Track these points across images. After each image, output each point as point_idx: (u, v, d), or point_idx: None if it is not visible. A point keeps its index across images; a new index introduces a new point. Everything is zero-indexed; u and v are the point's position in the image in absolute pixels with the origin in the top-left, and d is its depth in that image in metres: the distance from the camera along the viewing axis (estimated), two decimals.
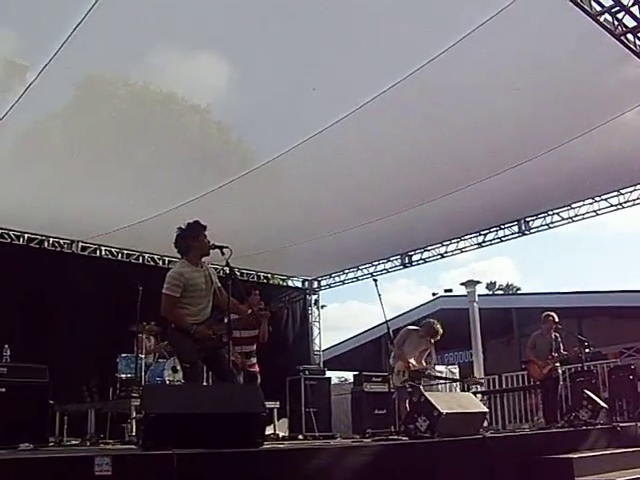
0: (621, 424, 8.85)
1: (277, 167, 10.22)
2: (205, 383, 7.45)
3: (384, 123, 9.31)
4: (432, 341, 10.36)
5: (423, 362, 10.24)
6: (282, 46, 7.68)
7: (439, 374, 10.16)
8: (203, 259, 6.93)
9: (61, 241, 13.44)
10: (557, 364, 10.91)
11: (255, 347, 9.39)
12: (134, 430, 8.82)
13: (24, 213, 11.70)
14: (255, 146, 9.90)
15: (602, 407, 9.16)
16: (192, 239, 6.80)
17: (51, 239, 13.27)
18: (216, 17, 7.18)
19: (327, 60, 8.04)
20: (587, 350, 10.71)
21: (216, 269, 7.19)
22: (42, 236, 13.13)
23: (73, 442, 8.98)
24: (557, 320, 10.96)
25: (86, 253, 13.76)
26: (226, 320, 6.62)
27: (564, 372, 13.11)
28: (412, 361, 10.04)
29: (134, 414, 8.96)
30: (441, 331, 10.39)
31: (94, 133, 9.26)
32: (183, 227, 6.86)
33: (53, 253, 13.25)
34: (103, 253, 14.03)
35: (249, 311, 7.47)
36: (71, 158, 9.69)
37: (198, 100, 8.79)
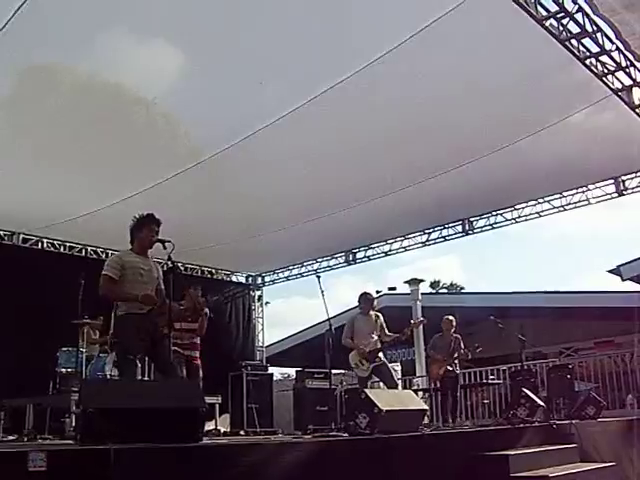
0: (557, 422, 9.01)
1: (223, 161, 10.18)
2: (146, 377, 7.42)
3: (328, 121, 9.35)
4: (375, 310, 10.59)
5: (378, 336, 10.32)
6: (232, 38, 7.65)
7: (391, 336, 10.32)
8: (149, 254, 6.95)
9: (1, 232, 13.21)
10: (456, 363, 11.61)
11: (197, 341, 9.33)
12: (74, 425, 8.71)
13: None
14: (201, 140, 9.82)
15: (539, 405, 9.31)
16: (137, 229, 6.91)
17: None
18: (168, 4, 7.13)
19: (276, 55, 8.03)
20: (477, 350, 11.60)
21: (159, 263, 7.16)
22: None
23: (10, 438, 8.84)
24: (455, 323, 11.84)
25: (27, 245, 13.55)
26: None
27: (504, 371, 13.39)
28: (363, 346, 10.12)
29: (74, 409, 8.84)
30: (373, 295, 10.80)
31: (39, 123, 9.11)
32: (136, 217, 6.92)
33: None
34: (45, 245, 13.83)
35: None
36: (13, 148, 9.51)
37: (145, 92, 8.67)
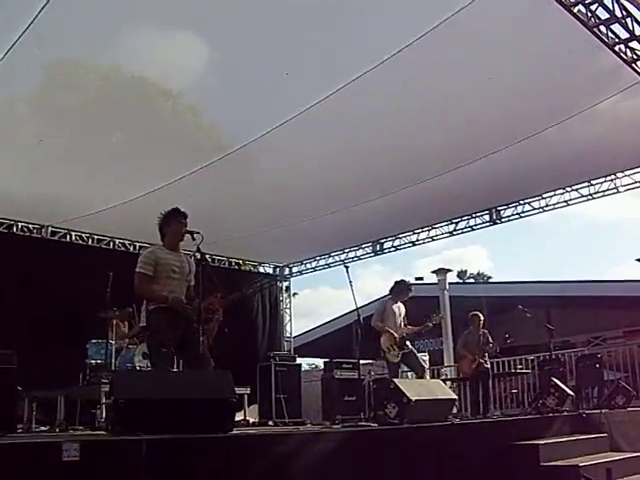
0: (587, 411, 8.97)
1: (249, 153, 10.19)
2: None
3: (356, 110, 9.29)
4: (404, 301, 10.54)
5: (402, 326, 10.34)
6: (257, 29, 7.63)
7: (412, 329, 10.32)
8: (180, 248, 6.96)
9: (30, 226, 13.32)
10: (486, 358, 11.58)
11: None
12: (104, 416, 8.77)
13: None
14: (228, 131, 9.84)
15: (569, 395, 9.28)
16: (165, 225, 6.90)
17: (20, 224, 13.15)
18: None
19: (303, 46, 8.02)
20: (508, 342, 11.67)
21: (187, 254, 7.18)
22: (11, 220, 13.00)
23: (42, 429, 8.93)
24: (482, 319, 11.70)
25: (56, 238, 13.64)
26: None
27: (532, 360, 13.34)
28: (394, 332, 10.14)
29: (104, 400, 8.91)
30: (411, 287, 10.67)
31: (64, 117, 9.16)
32: (162, 213, 6.93)
33: (22, 238, 13.13)
34: (73, 238, 13.91)
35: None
36: (41, 141, 9.58)
37: (171, 84, 8.69)
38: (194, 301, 6.72)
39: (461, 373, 12.29)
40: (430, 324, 10.63)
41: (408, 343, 10.21)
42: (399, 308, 10.40)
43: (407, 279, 10.87)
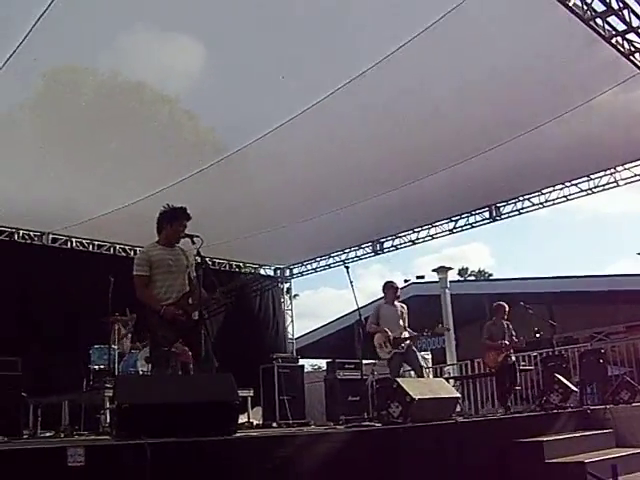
0: (591, 407, 8.95)
1: (248, 155, 10.18)
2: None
3: (353, 110, 9.30)
4: (399, 301, 10.50)
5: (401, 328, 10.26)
6: (253, 33, 7.63)
7: (411, 333, 10.23)
8: (181, 244, 6.92)
9: (31, 233, 13.31)
10: (511, 351, 11.15)
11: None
12: (108, 421, 8.78)
13: None
14: (227, 134, 9.83)
15: (572, 391, 9.26)
16: (167, 221, 6.83)
17: (21, 231, 13.15)
18: (189, 1, 7.13)
19: (298, 50, 8.02)
20: (537, 335, 11.07)
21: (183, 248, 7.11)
22: (12, 229, 13.00)
23: (47, 434, 8.94)
24: (507, 309, 11.37)
25: (57, 245, 13.65)
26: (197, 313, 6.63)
27: (535, 357, 13.30)
28: (387, 331, 10.09)
29: (107, 405, 8.92)
30: (396, 284, 10.68)
31: (63, 124, 9.15)
32: (168, 207, 6.88)
33: (23, 245, 13.13)
34: (74, 244, 13.91)
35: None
36: (40, 149, 9.58)
37: (168, 89, 8.67)
38: (194, 293, 6.70)
39: (487, 367, 11.76)
40: (425, 334, 10.54)
41: (405, 344, 10.12)
42: (395, 310, 10.34)
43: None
